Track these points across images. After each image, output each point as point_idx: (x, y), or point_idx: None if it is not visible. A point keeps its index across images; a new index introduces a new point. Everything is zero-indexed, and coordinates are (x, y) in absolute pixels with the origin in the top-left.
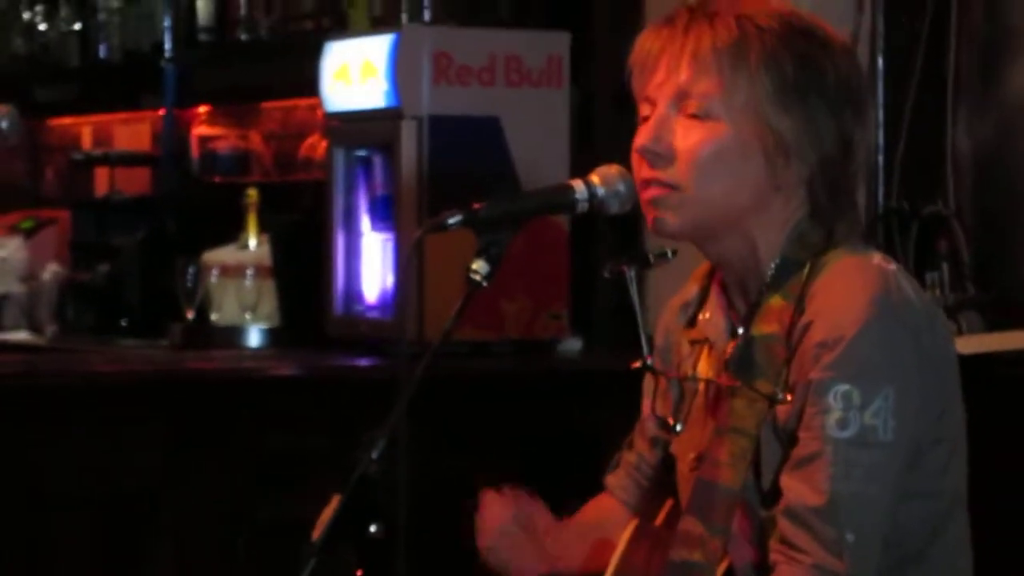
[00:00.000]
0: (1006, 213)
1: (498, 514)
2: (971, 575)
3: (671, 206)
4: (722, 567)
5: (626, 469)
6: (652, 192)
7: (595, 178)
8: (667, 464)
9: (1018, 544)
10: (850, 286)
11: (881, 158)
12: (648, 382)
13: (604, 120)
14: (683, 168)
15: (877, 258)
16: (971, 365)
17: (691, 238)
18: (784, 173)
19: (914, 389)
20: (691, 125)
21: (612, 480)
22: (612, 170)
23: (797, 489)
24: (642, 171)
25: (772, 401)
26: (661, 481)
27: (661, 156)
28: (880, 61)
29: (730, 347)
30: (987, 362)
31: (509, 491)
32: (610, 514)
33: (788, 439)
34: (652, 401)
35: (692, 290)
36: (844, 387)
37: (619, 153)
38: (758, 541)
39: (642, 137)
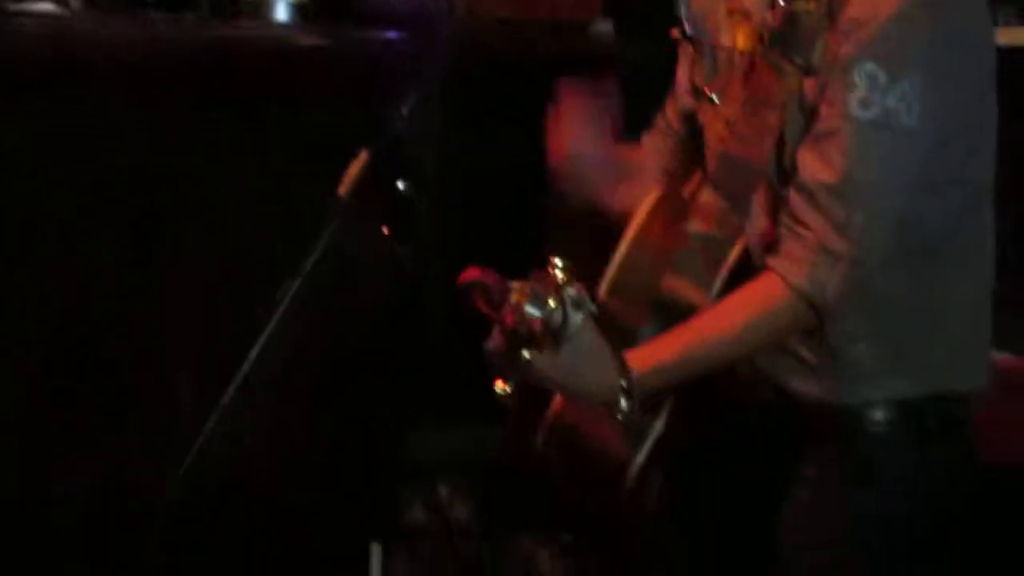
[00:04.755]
0: None
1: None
2: (989, 272)
3: None
4: (741, 242)
5: (660, 131)
6: None
7: None
8: (697, 136)
9: None
10: None
11: None
12: (684, 52)
13: None
14: None
15: None
16: (1005, 58)
17: None
18: None
19: (946, 76)
20: None
21: (647, 140)
22: None
23: (812, 164)
24: None
25: (805, 73)
26: (690, 154)
27: None
28: None
29: (768, 18)
30: (1021, 55)
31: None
32: (648, 162)
33: (811, 114)
34: (688, 71)
35: None
36: (870, 66)
37: None
38: (776, 218)
39: None
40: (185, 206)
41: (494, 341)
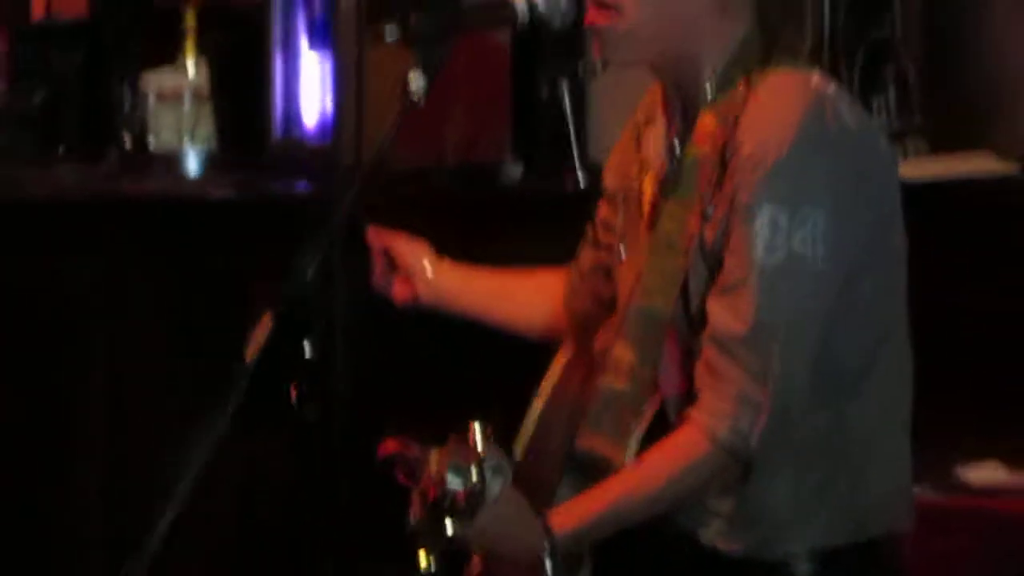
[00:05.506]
0: (953, 38)
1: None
2: (909, 407)
3: (617, 40)
4: (655, 398)
5: (577, 271)
6: (594, 18)
7: None
8: (610, 287)
9: (961, 374)
10: (781, 105)
11: None
12: (599, 206)
13: None
14: None
15: (815, 79)
16: (916, 191)
17: (638, 65)
18: None
19: (847, 214)
20: None
21: (556, 275)
22: None
23: (722, 316)
24: None
25: (703, 219)
26: (603, 307)
27: None
28: None
29: (665, 165)
30: (932, 188)
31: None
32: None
33: (714, 262)
34: (595, 224)
35: (643, 110)
36: (771, 210)
37: None
38: (688, 368)
39: None
40: (89, 360)
41: (415, 512)
